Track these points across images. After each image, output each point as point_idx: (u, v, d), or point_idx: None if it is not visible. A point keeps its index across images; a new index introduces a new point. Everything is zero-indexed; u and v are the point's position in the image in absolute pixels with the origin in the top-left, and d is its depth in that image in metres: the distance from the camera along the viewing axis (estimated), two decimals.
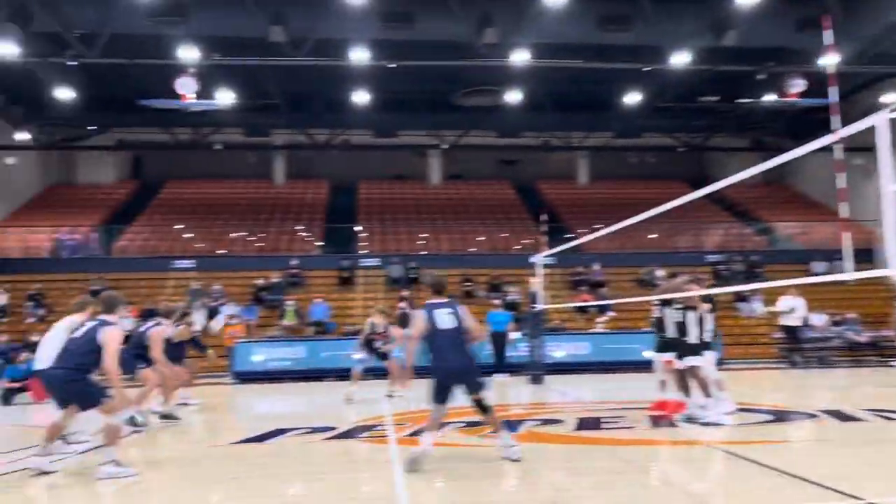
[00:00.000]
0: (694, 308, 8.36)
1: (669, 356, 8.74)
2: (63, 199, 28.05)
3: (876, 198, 4.87)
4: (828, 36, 5.59)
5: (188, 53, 18.49)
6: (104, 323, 6.41)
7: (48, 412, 7.29)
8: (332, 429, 8.39)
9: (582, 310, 20.74)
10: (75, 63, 19.39)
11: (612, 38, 18.87)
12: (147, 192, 29.27)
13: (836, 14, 17.82)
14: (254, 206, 28.10)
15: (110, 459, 6.01)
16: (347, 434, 8.12)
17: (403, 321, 19.37)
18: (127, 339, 8.64)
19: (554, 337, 17.47)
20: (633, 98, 24.30)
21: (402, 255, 23.94)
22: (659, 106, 25.54)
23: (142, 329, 9.73)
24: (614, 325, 19.96)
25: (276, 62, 19.60)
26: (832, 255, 21.32)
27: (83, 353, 6.21)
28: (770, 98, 21.40)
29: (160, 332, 9.49)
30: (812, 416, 8.83)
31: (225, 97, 21.20)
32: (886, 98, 22.57)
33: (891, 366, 16.60)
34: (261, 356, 16.78)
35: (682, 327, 8.40)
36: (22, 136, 26.09)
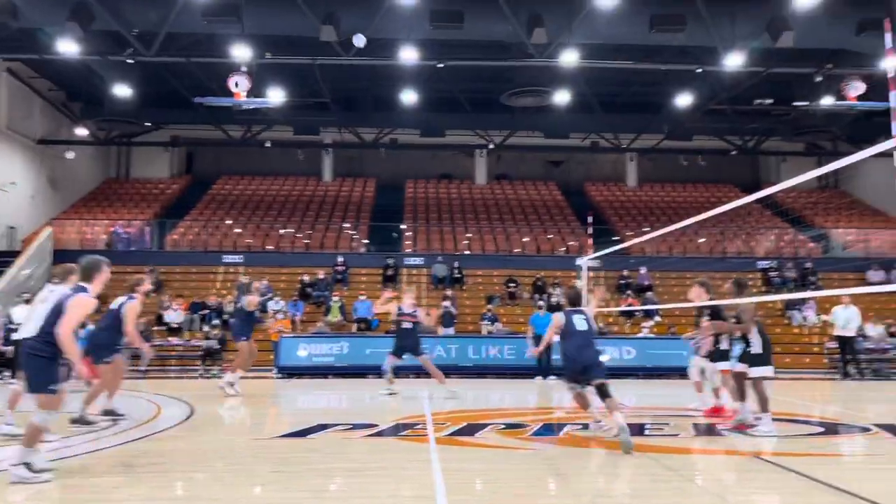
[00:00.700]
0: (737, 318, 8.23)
1: (725, 365, 8.63)
2: (119, 193, 28.92)
3: None
4: (889, 38, 5.39)
5: (241, 52, 18.87)
6: (79, 289, 5.90)
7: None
8: (374, 426, 8.45)
9: (628, 314, 20.48)
10: (133, 61, 19.94)
11: (665, 38, 18.55)
12: (199, 187, 29.97)
13: None
14: (302, 203, 28.51)
15: (23, 461, 5.36)
16: (388, 432, 8.16)
17: (447, 320, 19.47)
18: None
19: (598, 341, 17.27)
20: (684, 100, 23.86)
21: (446, 254, 23.99)
22: (711, 108, 25.02)
23: (113, 307, 8.89)
24: (661, 330, 19.65)
25: (327, 61, 19.83)
26: (891, 264, 20.62)
27: (50, 323, 5.57)
28: (827, 101, 20.77)
29: (134, 306, 8.77)
30: (865, 429, 8.54)
31: (276, 95, 21.54)
32: None
33: None
34: (305, 351, 17.00)
35: (744, 337, 8.18)
36: (81, 131, 27.02)
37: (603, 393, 7.34)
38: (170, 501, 5.21)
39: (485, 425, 8.50)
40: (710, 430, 8.31)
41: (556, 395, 12.92)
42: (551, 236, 25.99)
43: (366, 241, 25.93)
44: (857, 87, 20.01)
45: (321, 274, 22.27)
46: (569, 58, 18.82)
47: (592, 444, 7.46)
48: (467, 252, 24.85)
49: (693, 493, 5.57)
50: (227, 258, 23.50)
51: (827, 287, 21.20)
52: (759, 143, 28.33)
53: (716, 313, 8.81)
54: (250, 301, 12.41)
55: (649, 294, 21.49)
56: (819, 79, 20.45)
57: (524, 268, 23.16)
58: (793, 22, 17.10)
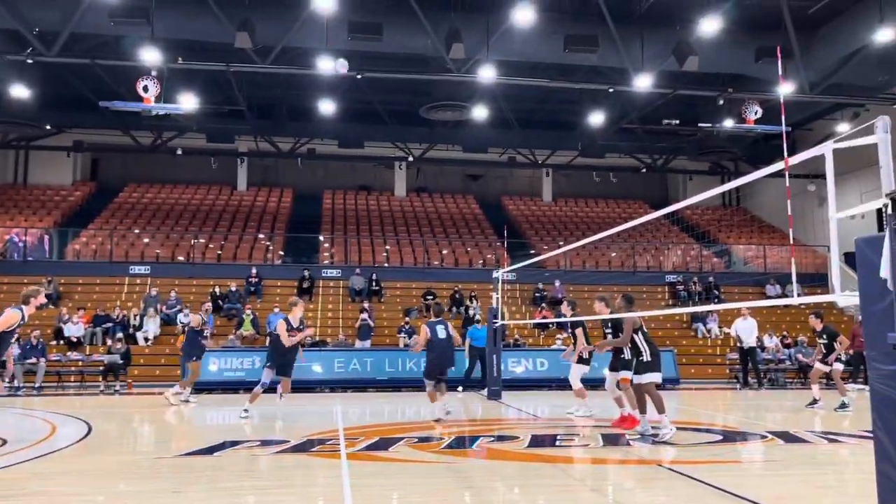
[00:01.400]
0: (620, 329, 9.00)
1: (626, 374, 9.10)
2: (15, 199, 27.34)
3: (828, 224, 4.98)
4: (781, 66, 5.71)
5: (151, 56, 18.18)
6: None
7: None
8: (285, 442, 8.25)
9: (542, 326, 20.84)
10: (32, 61, 18.91)
11: (579, 58, 19.10)
12: (104, 195, 28.67)
13: (799, 43, 18.33)
14: (215, 213, 27.71)
15: None
16: (298, 448, 7.97)
17: (364, 332, 19.29)
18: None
19: (513, 352, 17.51)
20: (597, 118, 24.61)
21: (364, 266, 23.83)
22: (623, 127, 25.94)
23: None
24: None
25: (242, 68, 19.40)
26: (786, 279, 21.82)
27: None
28: (729, 123, 21.91)
29: (9, 314, 8.04)
30: (762, 436, 8.95)
31: (188, 101, 20.87)
32: (842, 127, 23.27)
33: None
34: (215, 366, 16.47)
35: (635, 346, 8.72)
36: None
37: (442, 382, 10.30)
38: None
39: (398, 439, 8.44)
40: (617, 440, 8.53)
41: (471, 406, 12.98)
42: (469, 249, 26.22)
43: (281, 252, 25.45)
44: (755, 111, 21.19)
45: (233, 286, 21.69)
46: (486, 74, 19.10)
47: (506, 457, 7.52)
48: (385, 264, 24.75)
49: (599, 502, 5.69)
50: (134, 269, 22.56)
51: (729, 300, 22.24)
52: (667, 161, 29.52)
53: (616, 326, 9.32)
54: (194, 319, 13.53)
55: (563, 306, 21.90)
56: (721, 102, 21.54)
57: (442, 280, 23.26)
58: (697, 47, 17.96)
